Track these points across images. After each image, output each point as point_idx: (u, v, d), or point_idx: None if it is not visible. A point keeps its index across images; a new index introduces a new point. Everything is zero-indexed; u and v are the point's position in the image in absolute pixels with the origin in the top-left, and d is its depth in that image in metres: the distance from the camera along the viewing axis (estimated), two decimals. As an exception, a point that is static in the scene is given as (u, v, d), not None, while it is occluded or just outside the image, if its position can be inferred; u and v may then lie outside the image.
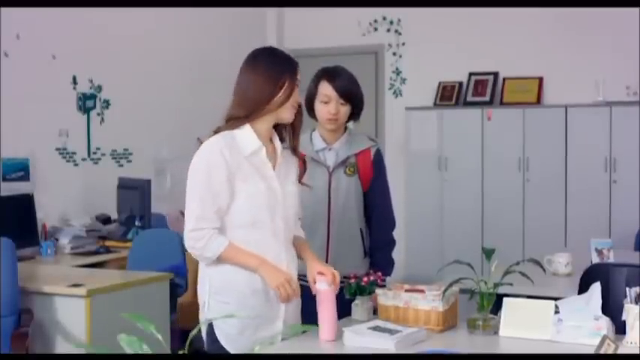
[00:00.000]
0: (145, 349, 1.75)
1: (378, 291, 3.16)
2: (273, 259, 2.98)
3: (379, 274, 3.31)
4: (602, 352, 2.54)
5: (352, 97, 3.64)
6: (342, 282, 3.12)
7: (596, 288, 2.95)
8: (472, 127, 7.41)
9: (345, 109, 3.62)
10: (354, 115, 3.69)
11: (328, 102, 3.60)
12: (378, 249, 3.72)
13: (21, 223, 5.53)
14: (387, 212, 3.74)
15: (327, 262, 3.56)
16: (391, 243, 3.75)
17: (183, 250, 5.30)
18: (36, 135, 6.02)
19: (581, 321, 2.81)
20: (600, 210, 6.93)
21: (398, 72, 8.06)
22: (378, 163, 3.71)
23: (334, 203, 3.61)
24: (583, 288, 3.34)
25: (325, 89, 3.61)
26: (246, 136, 3.03)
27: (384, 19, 8.07)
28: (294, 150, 3.17)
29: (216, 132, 3.12)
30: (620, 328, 2.80)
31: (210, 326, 2.96)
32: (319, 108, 3.62)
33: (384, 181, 3.74)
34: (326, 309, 2.94)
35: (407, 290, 3.15)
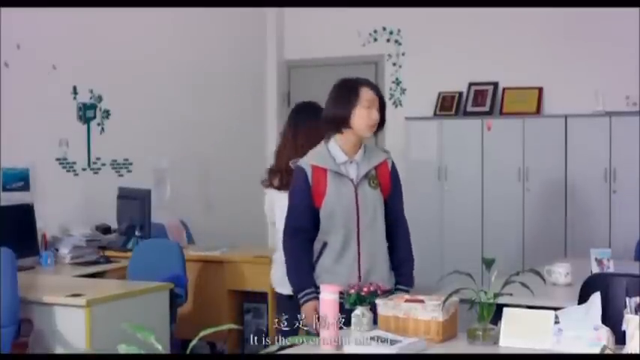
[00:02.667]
0: (145, 359, 1.76)
1: (378, 301, 3.16)
2: None
3: (379, 284, 3.31)
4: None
5: (384, 103, 3.65)
6: (341, 293, 3.13)
7: (596, 298, 2.95)
8: (472, 137, 7.41)
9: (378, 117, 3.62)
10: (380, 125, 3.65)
11: (371, 107, 3.56)
12: (405, 261, 3.71)
13: (21, 233, 5.53)
14: (406, 223, 3.76)
15: (359, 277, 3.53)
16: (412, 256, 3.75)
17: (183, 260, 5.32)
18: (36, 145, 6.02)
19: (581, 331, 2.81)
20: (600, 220, 6.92)
21: (398, 82, 8.07)
22: (395, 174, 3.71)
23: (363, 217, 3.57)
24: (583, 298, 3.34)
25: (368, 94, 3.57)
26: None
27: (384, 29, 8.08)
28: None
29: None
30: (620, 339, 2.80)
31: None
32: (362, 114, 3.54)
33: (402, 191, 3.76)
34: (328, 318, 2.95)
35: (407, 300, 3.15)
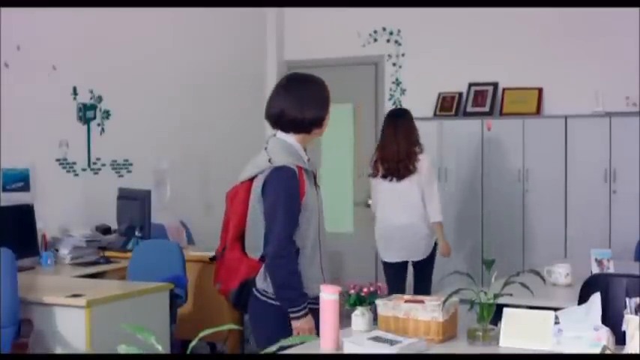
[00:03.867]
0: (145, 360, 1.76)
1: (378, 302, 3.16)
2: None
3: (379, 284, 3.31)
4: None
5: None
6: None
7: (596, 298, 2.95)
8: (472, 138, 7.41)
9: None
10: None
11: None
12: None
13: (21, 233, 5.53)
14: None
15: (323, 278, 3.48)
16: None
17: (183, 261, 5.32)
18: (36, 145, 6.02)
19: (581, 331, 2.81)
20: (600, 220, 6.92)
21: (398, 82, 8.07)
22: None
23: (321, 218, 3.51)
24: (583, 298, 3.34)
25: None
26: None
27: (384, 29, 8.08)
28: None
29: None
30: (620, 339, 2.80)
31: None
32: (328, 115, 3.52)
33: None
34: (328, 319, 2.95)
35: (407, 301, 3.16)
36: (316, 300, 3.21)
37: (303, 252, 3.38)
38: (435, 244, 6.08)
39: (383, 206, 6.07)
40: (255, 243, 3.42)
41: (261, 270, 3.40)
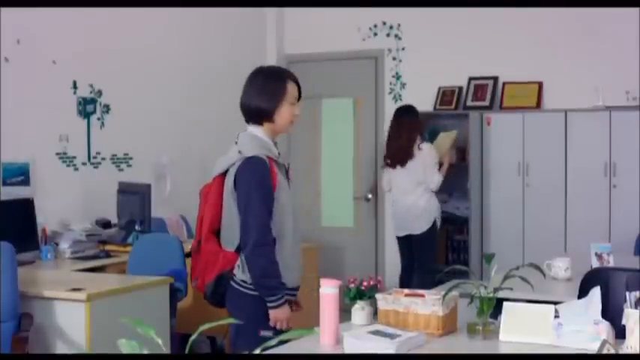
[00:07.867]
0: (145, 354, 1.75)
1: (378, 296, 3.17)
2: None
3: (379, 278, 3.32)
4: (601, 356, 2.54)
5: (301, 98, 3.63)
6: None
7: (595, 292, 2.95)
8: (472, 132, 7.40)
9: None
10: None
11: (294, 104, 3.54)
12: None
13: (21, 227, 5.53)
14: None
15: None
16: None
17: (183, 255, 5.32)
18: (36, 139, 6.02)
19: (581, 325, 2.81)
20: (600, 214, 6.92)
21: (398, 77, 8.06)
22: None
23: (295, 211, 3.53)
24: (583, 292, 3.34)
25: (295, 90, 3.55)
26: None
27: (384, 24, 8.07)
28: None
29: None
30: (619, 333, 2.80)
31: None
32: (287, 109, 3.50)
33: None
34: (328, 313, 2.95)
35: (407, 295, 3.16)
36: (293, 291, 3.43)
37: (284, 242, 3.42)
38: (434, 222, 6.83)
39: (392, 190, 7.08)
40: (230, 236, 3.44)
41: (239, 262, 3.42)
